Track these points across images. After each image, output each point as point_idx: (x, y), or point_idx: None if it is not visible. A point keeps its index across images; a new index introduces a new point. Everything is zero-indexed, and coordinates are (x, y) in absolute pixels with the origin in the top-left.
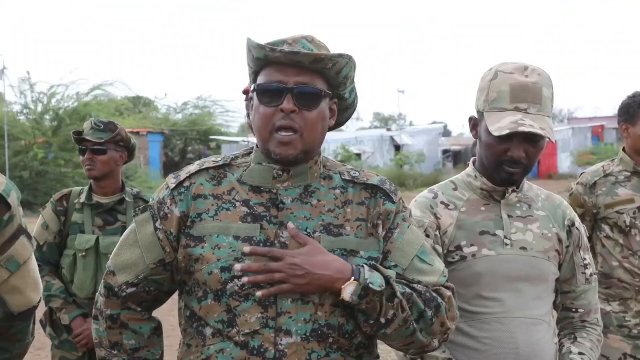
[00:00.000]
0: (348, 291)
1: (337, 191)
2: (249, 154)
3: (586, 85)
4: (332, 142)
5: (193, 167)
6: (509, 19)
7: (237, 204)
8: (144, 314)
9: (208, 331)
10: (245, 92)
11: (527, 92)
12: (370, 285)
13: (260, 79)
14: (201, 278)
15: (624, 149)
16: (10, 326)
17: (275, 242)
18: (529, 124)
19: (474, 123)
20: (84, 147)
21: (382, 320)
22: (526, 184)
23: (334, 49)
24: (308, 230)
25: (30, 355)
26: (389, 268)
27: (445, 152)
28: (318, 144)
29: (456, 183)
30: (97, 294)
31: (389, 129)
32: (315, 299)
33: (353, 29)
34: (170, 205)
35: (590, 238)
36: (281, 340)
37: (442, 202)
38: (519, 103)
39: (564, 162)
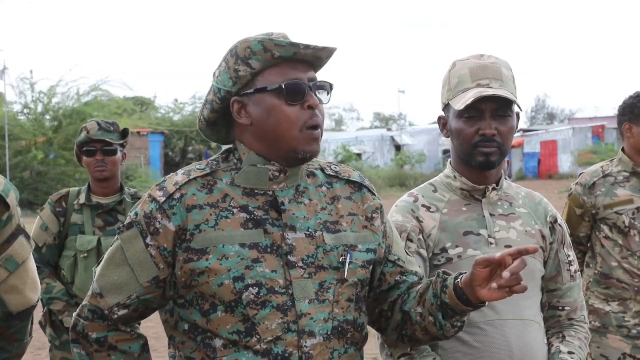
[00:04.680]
0: None
1: (324, 188)
2: (226, 157)
3: (586, 85)
4: (333, 142)
5: (180, 178)
6: (509, 19)
7: (235, 210)
8: (132, 334)
9: (218, 343)
10: None
11: (487, 70)
12: None
13: (275, 78)
14: (209, 291)
15: (622, 149)
16: (9, 326)
17: (283, 244)
18: (493, 91)
19: (444, 122)
20: (92, 148)
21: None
22: (505, 182)
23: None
24: (310, 229)
25: (30, 355)
26: (394, 262)
27: (445, 152)
28: None
29: (435, 185)
30: (76, 317)
31: (389, 129)
32: (330, 296)
33: (353, 29)
34: (162, 219)
35: (589, 238)
36: (305, 342)
37: (423, 205)
38: (480, 80)
39: (565, 162)
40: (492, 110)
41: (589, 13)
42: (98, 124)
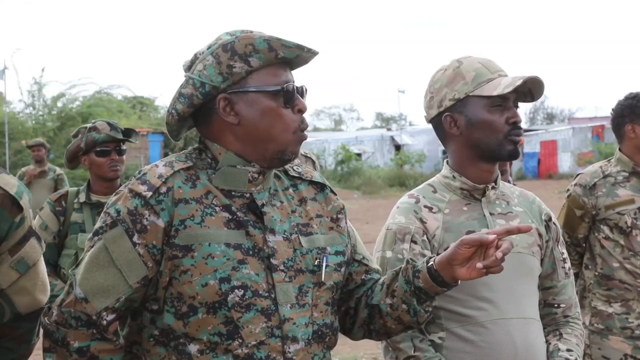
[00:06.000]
0: None
1: (291, 190)
2: (200, 154)
3: (586, 85)
4: (333, 142)
5: (163, 170)
6: (509, 19)
7: (217, 208)
8: (117, 344)
9: (193, 348)
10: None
11: (496, 64)
12: None
13: (270, 80)
14: (190, 291)
15: (620, 149)
16: (18, 327)
17: (264, 247)
18: (529, 76)
19: (451, 120)
20: (107, 149)
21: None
22: (500, 182)
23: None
24: (286, 232)
25: (31, 355)
26: (360, 261)
27: (445, 152)
28: None
29: (434, 185)
30: (53, 324)
31: (389, 129)
32: (309, 300)
33: (353, 28)
34: (150, 216)
35: (587, 239)
36: (289, 348)
37: (425, 206)
38: (499, 71)
39: (565, 162)
40: (514, 100)
41: (589, 13)
42: (109, 124)
